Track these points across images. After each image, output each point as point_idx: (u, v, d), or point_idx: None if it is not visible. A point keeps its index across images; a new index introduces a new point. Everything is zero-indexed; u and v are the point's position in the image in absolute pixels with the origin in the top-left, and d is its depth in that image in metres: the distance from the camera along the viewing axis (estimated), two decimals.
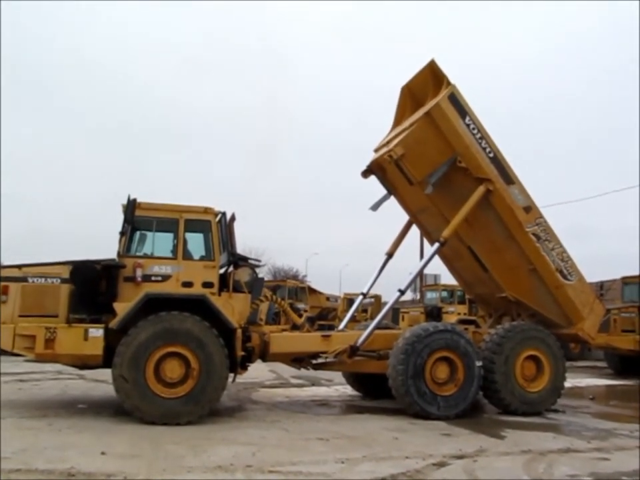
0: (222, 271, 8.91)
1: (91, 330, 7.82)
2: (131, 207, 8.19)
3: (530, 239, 9.70)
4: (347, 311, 17.51)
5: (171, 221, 8.48)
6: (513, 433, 7.78)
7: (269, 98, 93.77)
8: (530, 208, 9.85)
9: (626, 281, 19.84)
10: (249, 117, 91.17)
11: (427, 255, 10.27)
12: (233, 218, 9.15)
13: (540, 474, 5.54)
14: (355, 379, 10.97)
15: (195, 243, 8.75)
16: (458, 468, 5.69)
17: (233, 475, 5.27)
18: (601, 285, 22.18)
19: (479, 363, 8.97)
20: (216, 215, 8.76)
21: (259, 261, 10.07)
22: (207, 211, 8.66)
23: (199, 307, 7.98)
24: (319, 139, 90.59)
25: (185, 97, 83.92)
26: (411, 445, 6.71)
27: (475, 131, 9.65)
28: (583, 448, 6.85)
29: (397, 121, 10.83)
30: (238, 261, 8.92)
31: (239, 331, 8.29)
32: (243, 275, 8.91)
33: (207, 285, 8.38)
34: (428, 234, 11.49)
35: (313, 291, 28.90)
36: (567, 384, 10.35)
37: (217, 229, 8.67)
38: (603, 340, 16.73)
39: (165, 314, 7.75)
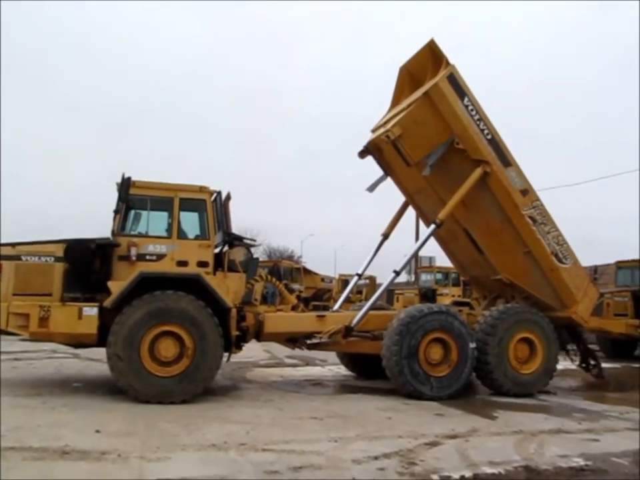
0: (217, 250, 8.89)
1: (85, 308, 7.81)
2: (125, 185, 8.12)
3: (526, 221, 9.69)
4: (341, 291, 17.57)
5: (165, 199, 8.42)
6: (504, 413, 7.84)
7: (266, 79, 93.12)
8: (527, 191, 9.81)
9: (620, 265, 19.93)
10: (245, 99, 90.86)
11: (422, 237, 10.27)
12: (228, 197, 9.10)
13: (531, 454, 5.59)
14: (349, 359, 11.02)
15: (190, 222, 8.72)
16: (450, 447, 5.73)
17: (226, 453, 5.30)
18: (595, 269, 22.21)
19: (472, 345, 9.02)
20: (211, 194, 8.71)
21: (254, 240, 10.03)
22: (202, 189, 8.60)
23: (194, 286, 7.97)
24: (316, 120, 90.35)
25: (182, 79, 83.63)
26: (404, 424, 6.76)
27: (474, 112, 9.57)
28: (574, 429, 6.92)
29: (395, 101, 10.73)
30: (233, 240, 8.89)
31: (234, 311, 8.30)
32: (238, 255, 8.90)
33: (202, 264, 8.36)
34: (424, 215, 11.46)
35: (308, 272, 28.94)
36: (559, 366, 10.43)
37: (212, 208, 8.63)
38: (595, 323, 16.80)
39: (159, 293, 7.74)
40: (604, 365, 15.90)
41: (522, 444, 6.00)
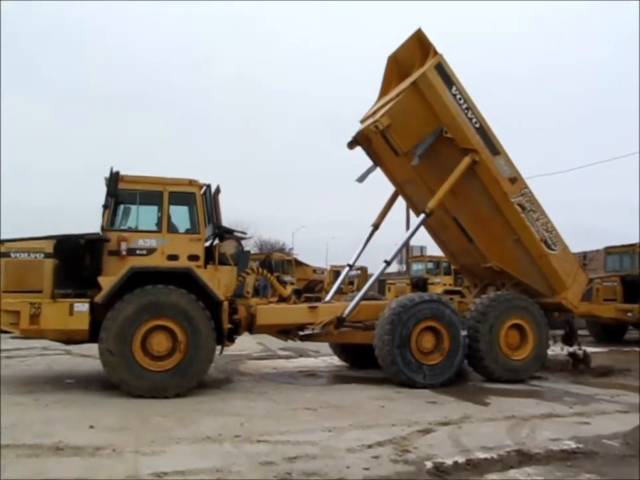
0: (207, 243, 8.86)
1: (76, 304, 7.77)
2: (113, 179, 8.07)
3: (515, 209, 9.74)
4: (333, 282, 17.57)
5: (155, 193, 8.38)
6: (496, 399, 7.92)
7: (250, 68, 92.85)
8: (515, 179, 9.87)
9: (609, 251, 20.11)
10: (235, 89, 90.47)
11: (412, 226, 10.30)
12: (218, 190, 9.07)
13: (523, 438, 5.65)
14: (341, 350, 11.06)
15: (180, 215, 8.68)
16: (443, 434, 5.79)
17: (221, 445, 5.32)
18: (584, 255, 22.49)
19: (464, 332, 9.08)
20: (201, 187, 8.67)
21: (245, 233, 9.97)
22: (191, 183, 8.57)
23: (185, 280, 7.96)
24: (307, 113, 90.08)
25: (166, 68, 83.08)
26: (397, 412, 6.81)
27: (462, 101, 9.60)
28: (565, 413, 7.00)
29: (384, 91, 10.73)
30: (223, 233, 8.87)
31: (226, 304, 8.30)
32: (229, 248, 8.88)
33: (193, 257, 8.34)
34: (414, 205, 11.49)
35: (299, 264, 28.93)
36: (550, 351, 10.53)
37: (202, 201, 8.60)
38: (585, 308, 16.98)
39: (150, 287, 7.72)
40: (594, 349, 16.09)
41: (514, 429, 6.07)
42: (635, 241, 20.00)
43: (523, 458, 4.93)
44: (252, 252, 33.10)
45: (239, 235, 9.56)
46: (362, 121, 10.85)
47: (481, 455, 4.98)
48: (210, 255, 8.66)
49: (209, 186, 8.81)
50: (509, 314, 9.53)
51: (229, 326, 8.46)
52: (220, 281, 8.48)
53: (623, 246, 19.44)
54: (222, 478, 4.36)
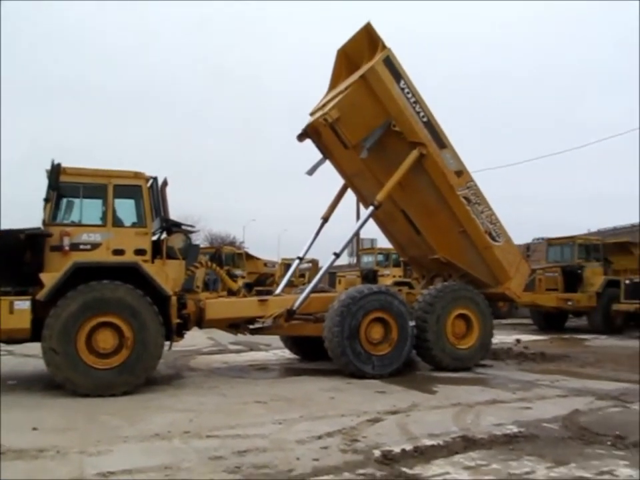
0: (155, 237, 8.69)
1: (16, 302, 7.48)
2: (55, 172, 7.80)
3: (461, 202, 9.97)
4: (284, 276, 17.56)
5: (99, 186, 8.15)
6: (444, 387, 8.11)
7: (206, 59, 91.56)
8: (461, 172, 10.09)
9: (551, 242, 20.85)
10: (184, 81, 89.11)
11: (361, 219, 10.39)
12: (165, 183, 8.90)
13: (468, 424, 5.82)
14: (292, 343, 11.09)
15: (126, 209, 8.47)
16: (391, 423, 5.89)
17: (170, 442, 5.25)
18: (528, 247, 23.16)
19: (412, 323, 9.25)
20: (147, 179, 8.48)
21: (193, 226, 9.88)
22: (137, 175, 8.37)
23: (131, 275, 7.78)
24: (257, 103, 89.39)
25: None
26: (347, 403, 6.89)
27: (410, 95, 9.73)
28: (508, 399, 7.24)
29: (333, 84, 10.77)
30: (171, 227, 8.72)
31: (174, 298, 8.17)
32: (177, 241, 8.73)
33: (139, 252, 8.16)
34: (363, 198, 11.60)
35: (250, 257, 28.76)
36: (495, 340, 10.86)
37: (149, 194, 8.42)
38: (528, 298, 17.61)
39: (95, 283, 7.51)
40: (537, 337, 16.71)
41: (459, 415, 6.24)
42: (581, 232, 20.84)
43: (468, 443, 5.07)
44: (202, 246, 32.69)
45: (187, 228, 9.43)
46: (312, 114, 10.86)
47: (428, 442, 5.10)
48: (157, 249, 8.49)
49: (155, 179, 8.63)
50: (455, 304, 9.77)
51: (178, 321, 8.34)
52: (168, 275, 8.34)
53: (563, 238, 20.20)
54: (170, 475, 4.31)
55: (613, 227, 31.97)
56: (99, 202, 8.31)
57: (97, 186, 8.15)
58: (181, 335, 8.73)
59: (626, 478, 4.24)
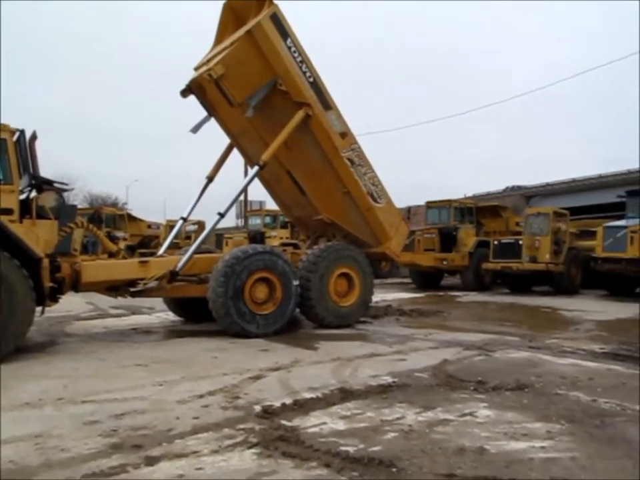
0: (23, 196, 8.05)
1: None
2: None
3: (345, 163, 10.15)
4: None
5: None
6: (325, 344, 8.37)
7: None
8: (345, 134, 10.25)
9: (429, 205, 21.95)
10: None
11: (246, 178, 10.30)
12: (34, 137, 8.21)
13: (346, 377, 6.07)
14: (176, 305, 10.89)
15: None
16: (273, 379, 6.00)
17: (41, 409, 4.99)
18: (409, 210, 24.25)
19: (296, 282, 9.41)
20: (12, 132, 7.78)
21: (67, 184, 9.24)
22: (1, 128, 7.66)
23: None
24: (142, 60, 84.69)
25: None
26: (230, 362, 6.91)
27: (296, 54, 9.65)
28: (385, 352, 7.63)
29: (219, 39, 10.40)
30: (41, 184, 8.11)
31: (46, 261, 7.67)
32: (48, 200, 8.16)
33: (5, 211, 7.51)
34: (248, 157, 11.47)
35: (132, 219, 27.64)
36: (375, 298, 11.36)
37: (15, 148, 7.73)
38: (408, 258, 18.55)
39: None
40: (415, 294, 17.67)
41: (339, 369, 6.49)
42: (459, 196, 22.06)
43: (345, 395, 5.29)
44: (80, 206, 30.87)
45: (60, 186, 8.83)
46: (196, 69, 10.46)
47: (307, 395, 5.26)
48: (26, 209, 7.89)
49: (22, 132, 7.92)
50: (337, 263, 10.05)
51: (51, 285, 7.87)
52: (38, 236, 7.79)
53: (441, 201, 21.33)
54: (41, 443, 4.11)
55: (487, 192, 34.27)
56: None
57: None
58: (54, 300, 8.25)
59: (484, 418, 4.64)
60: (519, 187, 32.28)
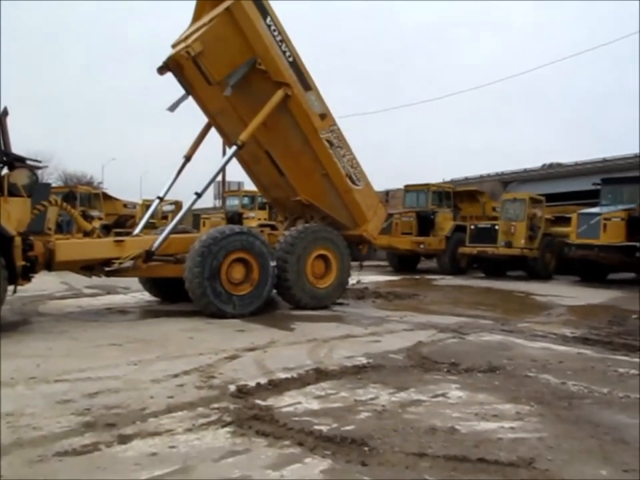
0: None
1: None
2: None
3: (324, 144, 10.12)
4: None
5: None
6: (301, 325, 8.39)
7: None
8: (325, 115, 10.19)
9: (407, 189, 22.03)
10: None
11: (224, 159, 10.20)
12: (5, 112, 8.02)
13: (321, 358, 6.11)
14: (152, 285, 10.81)
15: None
16: (249, 359, 6.02)
17: (13, 388, 4.93)
18: (387, 193, 24.36)
19: (273, 263, 9.40)
20: None
21: (40, 162, 9.08)
22: None
23: None
24: (119, 39, 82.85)
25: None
26: (206, 342, 6.90)
27: (276, 33, 9.54)
28: (360, 333, 7.69)
29: (197, 15, 10.23)
30: (13, 161, 7.96)
31: (18, 239, 7.53)
32: (21, 178, 8.00)
33: None
34: (227, 137, 11.35)
35: (108, 198, 27.23)
36: (352, 280, 11.41)
37: None
38: (385, 241, 18.66)
39: None
40: (392, 277, 17.81)
41: (314, 350, 6.52)
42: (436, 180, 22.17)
43: (320, 375, 5.33)
44: (54, 185, 30.32)
45: (33, 163, 8.66)
46: (174, 45, 10.28)
47: (282, 375, 5.28)
48: None
49: None
50: (315, 245, 10.05)
51: (23, 263, 7.75)
52: (10, 214, 7.63)
53: (419, 185, 21.42)
54: (13, 422, 4.07)
55: (465, 177, 34.49)
56: None
57: None
58: (27, 279, 8.13)
59: (456, 399, 4.72)
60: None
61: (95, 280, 9.82)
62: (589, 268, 16.96)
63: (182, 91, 10.45)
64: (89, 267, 8.98)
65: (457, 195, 21.91)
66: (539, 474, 3.25)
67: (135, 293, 11.98)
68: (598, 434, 3.93)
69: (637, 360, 6.34)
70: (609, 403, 4.69)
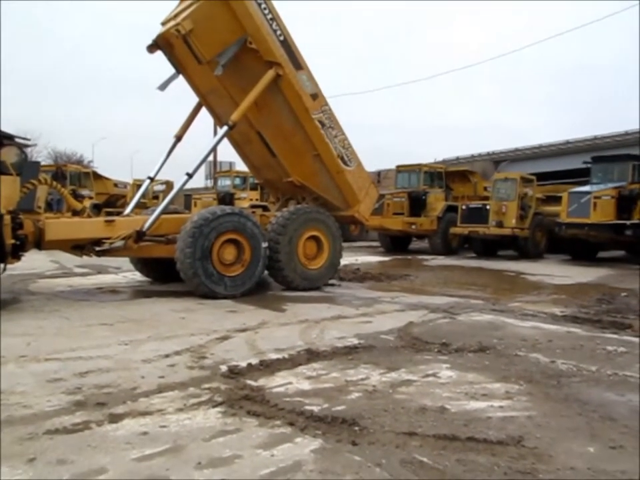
0: None
1: None
2: None
3: (315, 125, 10.04)
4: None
5: None
6: (293, 306, 8.40)
7: None
8: (317, 95, 10.11)
9: (399, 169, 21.98)
10: None
11: (214, 139, 10.12)
12: None
13: (313, 339, 6.13)
14: (143, 265, 10.78)
15: None
16: (240, 340, 6.03)
17: (4, 367, 4.93)
18: (379, 174, 24.31)
19: (264, 244, 9.38)
20: None
21: (29, 139, 8.97)
22: None
23: None
24: (108, 16, 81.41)
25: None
26: (197, 323, 6.90)
27: (267, 12, 9.41)
28: (352, 314, 7.71)
29: None
30: (2, 139, 7.87)
31: (7, 217, 7.49)
32: (9, 155, 7.92)
33: None
34: (217, 117, 11.23)
35: (98, 177, 27.03)
36: (345, 261, 11.42)
37: None
38: (377, 222, 18.69)
39: None
40: (383, 258, 17.86)
41: (306, 331, 6.54)
42: (428, 160, 22.11)
43: (311, 355, 5.35)
44: (44, 163, 30.03)
45: (22, 141, 8.58)
46: (163, 23, 10.11)
47: (274, 356, 5.30)
48: None
49: None
50: (306, 226, 10.02)
51: (13, 242, 7.70)
52: None
53: (410, 165, 21.39)
54: (3, 400, 4.07)
55: (457, 157, 34.48)
56: None
57: None
58: (17, 257, 8.10)
59: (446, 379, 4.75)
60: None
61: (86, 259, 9.77)
62: (579, 247, 17.07)
63: (172, 70, 10.31)
64: (80, 247, 8.93)
65: (449, 175, 21.90)
66: (528, 452, 3.29)
67: (126, 273, 11.95)
68: (586, 411, 3.99)
69: (625, 338, 6.41)
70: (597, 381, 4.75)
